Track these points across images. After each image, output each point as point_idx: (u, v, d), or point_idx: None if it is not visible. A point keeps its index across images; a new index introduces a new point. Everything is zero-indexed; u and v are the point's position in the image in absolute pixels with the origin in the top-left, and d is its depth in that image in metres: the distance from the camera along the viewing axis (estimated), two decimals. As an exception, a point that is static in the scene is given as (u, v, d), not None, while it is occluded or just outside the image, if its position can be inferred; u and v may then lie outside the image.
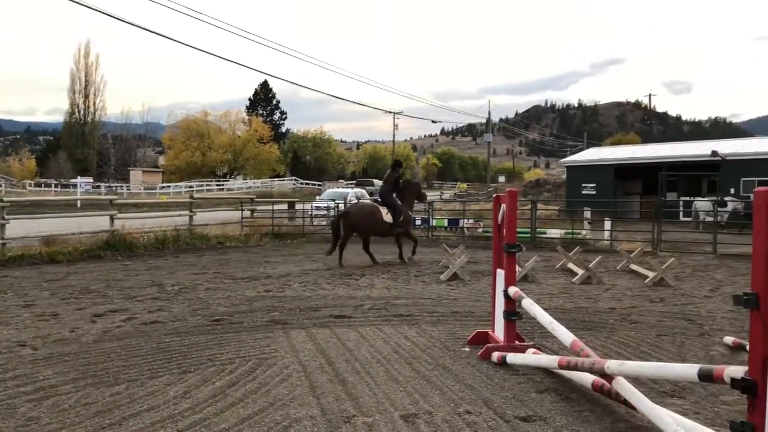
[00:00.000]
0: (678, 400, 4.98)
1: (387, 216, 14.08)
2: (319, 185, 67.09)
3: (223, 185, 63.08)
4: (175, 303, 9.15)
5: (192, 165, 69.43)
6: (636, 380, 5.16)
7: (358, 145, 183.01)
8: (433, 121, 64.42)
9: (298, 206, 26.94)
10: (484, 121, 66.52)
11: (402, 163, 16.67)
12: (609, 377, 4.46)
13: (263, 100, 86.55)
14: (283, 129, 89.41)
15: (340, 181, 75.14)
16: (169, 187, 59.79)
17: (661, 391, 5.18)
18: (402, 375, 5.59)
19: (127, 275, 12.10)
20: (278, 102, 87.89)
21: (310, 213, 25.36)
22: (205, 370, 5.70)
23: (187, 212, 20.24)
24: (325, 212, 24.99)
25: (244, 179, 70.51)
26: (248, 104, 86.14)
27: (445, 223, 22.64)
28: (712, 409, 4.74)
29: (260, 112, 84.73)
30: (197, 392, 5.08)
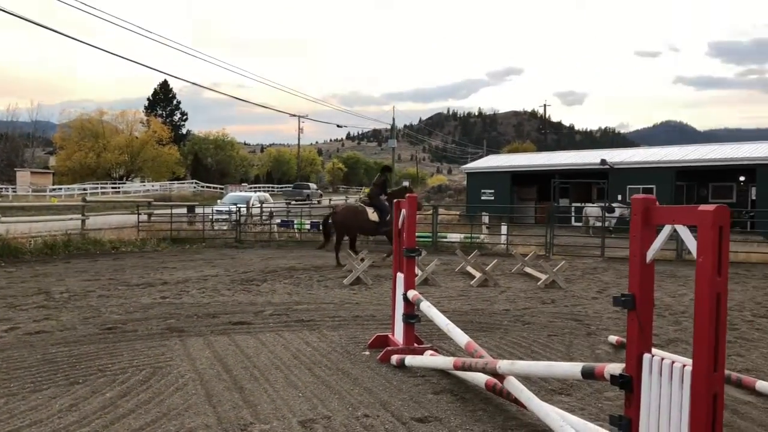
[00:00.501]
0: (565, 397, 5.23)
1: (373, 215, 14.72)
2: (221, 189, 65.65)
3: (119, 188, 60.51)
4: (63, 311, 8.71)
5: (86, 166, 66.15)
6: (527, 379, 5.38)
7: (263, 148, 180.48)
8: (338, 126, 64.48)
9: (199, 210, 26.23)
10: (388, 126, 67.23)
11: (390, 168, 16.94)
12: (501, 377, 4.62)
13: (163, 100, 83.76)
14: (184, 130, 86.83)
15: (243, 184, 73.81)
16: (60, 189, 56.70)
17: (550, 389, 5.42)
18: (301, 380, 5.57)
19: (10, 283, 11.39)
20: (179, 102, 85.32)
21: (210, 217, 24.76)
22: (95, 381, 5.46)
23: (80, 216, 19.29)
24: (227, 216, 24.47)
25: (141, 182, 67.93)
26: (147, 104, 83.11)
27: (349, 227, 22.69)
28: (596, 405, 5.01)
29: (159, 112, 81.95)
30: (85, 404, 4.86)
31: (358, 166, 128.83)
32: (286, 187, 78.58)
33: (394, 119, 65.96)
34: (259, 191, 48.54)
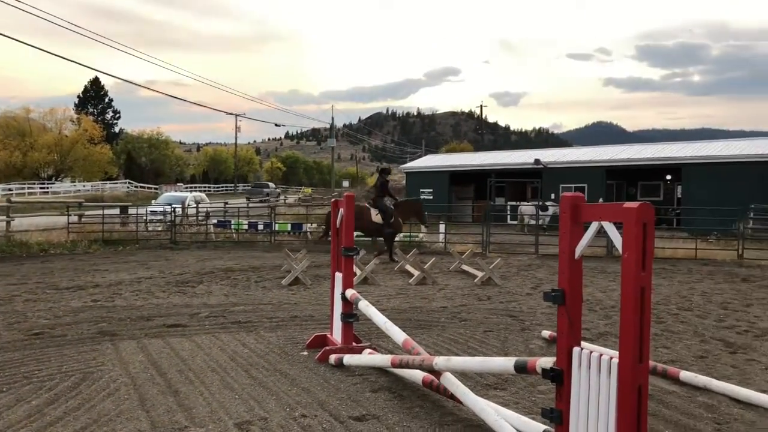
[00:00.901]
0: (500, 391, 5.34)
1: (377, 217, 15.18)
2: (156, 189, 64.02)
3: (47, 188, 58.25)
4: (-14, 317, 8.32)
5: (11, 166, 63.34)
6: (464, 375, 5.47)
7: (199, 147, 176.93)
8: (276, 125, 63.78)
9: (132, 211, 25.51)
10: (328, 126, 66.98)
11: (389, 170, 17.52)
12: (438, 373, 4.67)
13: (94, 97, 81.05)
14: (117, 129, 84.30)
15: (178, 184, 72.17)
16: (-18, 189, 54.15)
17: (486, 384, 5.52)
18: (238, 382, 5.50)
19: (-72, 288, 10.82)
20: (111, 100, 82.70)
21: (144, 218, 24.13)
22: (20, 389, 5.25)
23: (4, 217, 18.48)
24: (161, 217, 23.89)
25: (72, 182, 65.57)
26: (77, 102, 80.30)
27: (288, 227, 22.54)
28: (529, 399, 5.13)
29: (91, 110, 79.27)
30: (9, 413, 4.66)
31: (297, 166, 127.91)
32: (222, 187, 77.32)
33: (333, 118, 65.84)
34: (195, 191, 47.65)
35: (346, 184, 74.05)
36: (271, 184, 71.12)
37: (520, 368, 3.84)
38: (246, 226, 22.63)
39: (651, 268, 3.13)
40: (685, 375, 5.56)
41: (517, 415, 4.28)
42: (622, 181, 33.53)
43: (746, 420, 4.62)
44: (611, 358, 3.20)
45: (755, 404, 4.89)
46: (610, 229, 3.31)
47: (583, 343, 3.50)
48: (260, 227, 22.40)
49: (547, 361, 3.62)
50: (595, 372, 3.27)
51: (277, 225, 22.28)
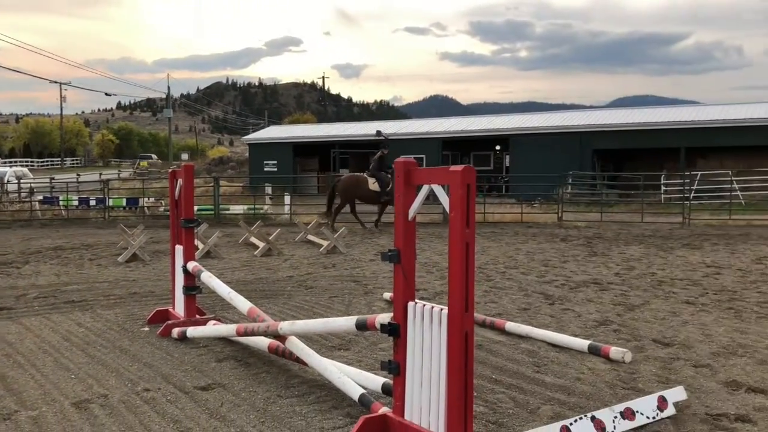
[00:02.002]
0: (344, 352, 5.55)
1: (374, 185, 16.10)
2: (-32, 164, 57.78)
3: None
4: None
5: None
6: (310, 339, 5.62)
7: (18, 118, 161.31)
8: (107, 94, 59.79)
9: (-60, 188, 22.95)
10: (164, 96, 63.82)
11: (387, 142, 17.99)
12: (283, 338, 4.78)
13: None
14: None
15: (-6, 158, 65.70)
16: None
17: (331, 346, 5.71)
18: (74, 362, 5.27)
19: None
20: None
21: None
22: None
23: None
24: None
25: None
26: None
27: (124, 202, 21.43)
28: (371, 356, 5.39)
29: None
30: None
31: (131, 138, 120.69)
32: (47, 161, 71.42)
33: (169, 88, 62.85)
34: (15, 166, 43.67)
35: (185, 156, 71.17)
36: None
37: (361, 326, 4.05)
38: (76, 202, 21.19)
39: (474, 226, 3.42)
40: (510, 325, 6.10)
41: (359, 371, 4.51)
42: (457, 152, 35.21)
43: (561, 361, 5.19)
44: (441, 309, 3.48)
45: (568, 347, 5.49)
46: (439, 191, 3.57)
47: (417, 300, 3.76)
48: (92, 203, 21.09)
49: (385, 317, 3.85)
50: (428, 323, 3.54)
51: (111, 200, 21.09)
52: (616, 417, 3.80)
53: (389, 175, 15.86)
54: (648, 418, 3.91)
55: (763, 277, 8.89)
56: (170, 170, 6.78)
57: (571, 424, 3.64)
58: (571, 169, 26.42)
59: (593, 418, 3.72)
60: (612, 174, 29.37)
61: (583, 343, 5.43)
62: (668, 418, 3.97)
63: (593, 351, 5.29)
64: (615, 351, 5.17)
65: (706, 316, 6.69)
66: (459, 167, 3.41)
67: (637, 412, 3.90)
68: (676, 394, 4.16)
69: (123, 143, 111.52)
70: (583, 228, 16.57)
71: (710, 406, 4.18)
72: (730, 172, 23.54)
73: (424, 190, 3.67)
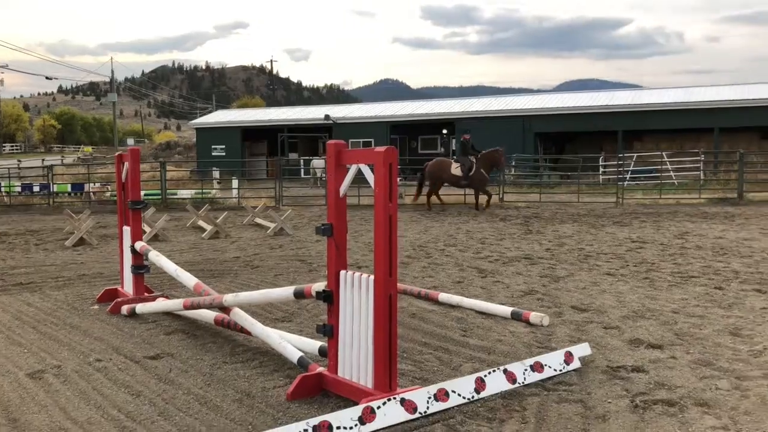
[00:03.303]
0: (287, 323, 5.92)
1: (456, 170, 16.72)
2: None
3: None
4: None
5: None
6: (255, 314, 5.96)
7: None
8: (47, 78, 58.13)
9: None
10: (107, 79, 62.38)
11: (467, 129, 19.08)
12: (228, 310, 5.12)
13: None
14: None
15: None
16: None
17: (274, 318, 6.07)
18: (26, 339, 5.50)
19: None
20: None
21: None
22: None
23: None
24: None
25: None
26: None
27: (69, 188, 21.20)
28: (312, 327, 5.74)
29: None
30: None
31: (74, 123, 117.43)
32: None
33: (113, 71, 61.48)
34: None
35: (131, 141, 69.85)
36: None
37: (299, 294, 4.43)
38: (19, 189, 20.87)
39: (396, 200, 3.83)
40: (442, 296, 6.57)
41: (298, 337, 4.90)
42: (405, 135, 35.70)
43: (485, 326, 5.67)
44: (369, 276, 3.89)
45: (493, 314, 5.98)
46: (366, 170, 3.96)
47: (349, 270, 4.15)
48: (36, 189, 20.81)
49: (320, 285, 4.24)
50: (357, 289, 3.95)
51: (56, 186, 20.84)
52: (526, 370, 4.28)
53: (472, 160, 16.55)
54: (555, 370, 4.40)
55: (681, 251, 9.60)
56: (117, 154, 6.99)
57: (485, 375, 4.10)
58: (514, 152, 27.15)
59: (505, 371, 4.19)
60: (553, 156, 30.32)
61: (506, 310, 5.92)
62: (574, 370, 4.47)
63: (515, 317, 5.78)
64: (535, 316, 5.68)
65: (624, 285, 7.29)
66: (382, 148, 3.81)
67: (546, 365, 4.39)
68: (582, 349, 4.67)
69: (65, 128, 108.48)
70: (523, 208, 17.24)
71: (612, 360, 4.71)
72: (663, 153, 24.64)
73: (353, 169, 4.06)
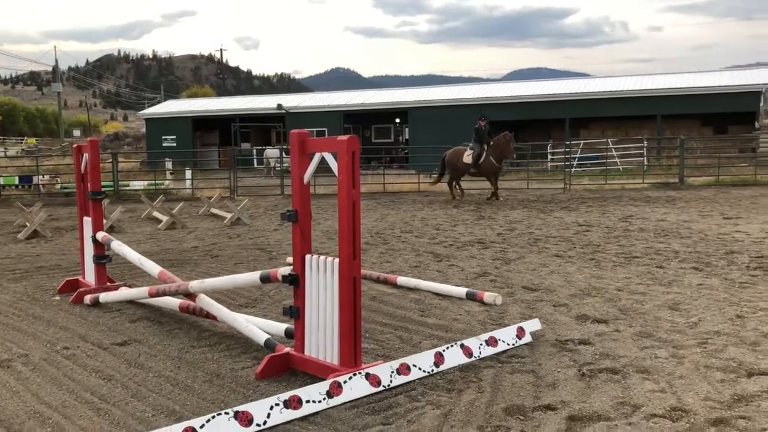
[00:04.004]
0: (251, 309, 6.09)
1: (467, 158, 16.30)
2: None
3: None
4: None
5: None
6: (220, 301, 6.10)
7: None
8: (-15, 67, 56.00)
9: None
10: (49, 69, 60.57)
11: (483, 116, 17.90)
12: (193, 296, 5.26)
13: None
14: None
15: None
16: None
17: (239, 304, 6.22)
18: (-11, 329, 5.53)
19: None
20: None
21: None
22: None
23: None
24: None
25: None
26: None
27: (16, 180, 20.70)
28: (276, 311, 5.94)
29: None
30: None
31: (15, 114, 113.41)
32: None
33: (57, 60, 59.75)
34: None
35: (77, 133, 68.01)
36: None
37: (265, 279, 4.61)
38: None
39: (359, 187, 4.04)
40: (401, 280, 6.82)
41: (265, 321, 5.08)
42: (358, 125, 35.82)
43: (442, 306, 5.94)
44: (333, 259, 4.10)
45: (449, 295, 6.26)
46: (329, 158, 4.15)
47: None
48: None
49: (286, 269, 4.43)
50: (323, 272, 4.15)
51: (2, 179, 20.34)
52: (481, 344, 4.56)
53: (484, 148, 16.20)
54: (508, 344, 4.70)
55: (625, 233, 10.07)
56: (75, 146, 7.00)
57: (444, 350, 4.36)
58: (466, 140, 27.61)
59: (462, 346, 4.46)
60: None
61: (461, 291, 6.21)
62: (526, 344, 4.78)
63: (470, 297, 6.08)
64: (488, 295, 5.98)
65: (571, 266, 7.67)
66: (345, 137, 4.01)
67: (500, 340, 4.69)
68: (533, 325, 4.98)
69: (7, 120, 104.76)
70: (476, 195, 17.65)
71: (560, 334, 5.03)
72: (609, 140, 25.43)
73: (317, 157, 4.25)
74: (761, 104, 28.14)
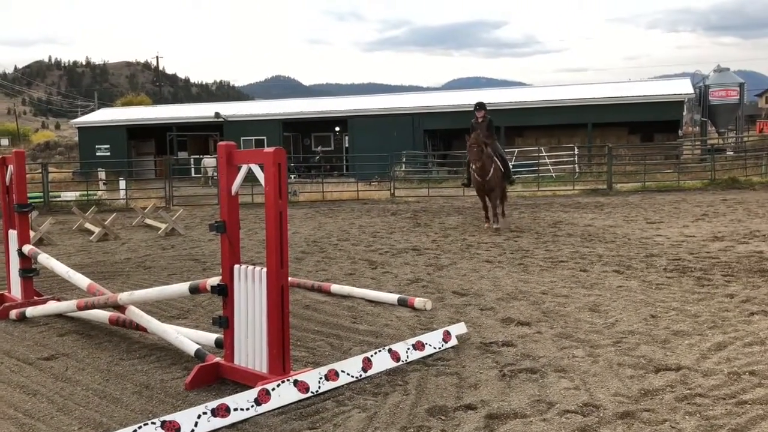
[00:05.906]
0: (183, 320, 6.08)
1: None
2: None
3: None
4: None
5: None
6: (150, 312, 6.07)
7: None
8: None
9: None
10: (-26, 75, 58.15)
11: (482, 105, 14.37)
12: (123, 308, 5.23)
13: None
14: None
15: None
16: None
17: (170, 316, 6.20)
18: None
19: None
20: None
21: None
22: None
23: None
24: None
25: None
26: None
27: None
28: (207, 322, 5.94)
29: None
30: None
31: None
32: None
33: (-19, 67, 57.35)
34: None
35: (5, 142, 65.49)
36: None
37: (194, 289, 4.65)
38: None
39: (286, 197, 4.13)
40: (334, 287, 6.92)
41: (195, 331, 5.10)
42: (298, 133, 35.81)
43: (374, 313, 6.08)
44: (261, 268, 4.17)
45: (382, 301, 6.40)
46: (256, 169, 4.23)
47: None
48: None
49: (214, 280, 4.48)
50: (251, 281, 4.22)
51: None
52: (409, 348, 4.71)
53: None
54: (435, 348, 4.86)
55: (553, 238, 10.44)
56: (1, 157, 6.85)
57: (372, 355, 4.49)
58: (405, 148, 27.99)
59: (390, 350, 4.60)
60: (441, 153, 31.42)
61: (393, 297, 6.36)
62: (451, 347, 4.95)
63: (401, 303, 6.23)
64: (419, 301, 6.15)
65: (500, 271, 7.92)
66: (271, 149, 4.11)
67: (426, 344, 4.84)
68: (459, 328, 5.17)
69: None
70: (413, 203, 17.92)
71: (485, 337, 5.23)
72: (542, 148, 26.17)
73: (244, 168, 4.33)
74: (684, 113, 29.52)
